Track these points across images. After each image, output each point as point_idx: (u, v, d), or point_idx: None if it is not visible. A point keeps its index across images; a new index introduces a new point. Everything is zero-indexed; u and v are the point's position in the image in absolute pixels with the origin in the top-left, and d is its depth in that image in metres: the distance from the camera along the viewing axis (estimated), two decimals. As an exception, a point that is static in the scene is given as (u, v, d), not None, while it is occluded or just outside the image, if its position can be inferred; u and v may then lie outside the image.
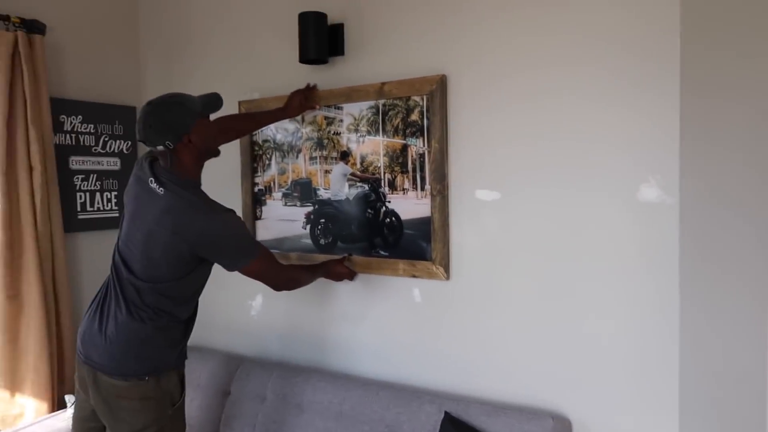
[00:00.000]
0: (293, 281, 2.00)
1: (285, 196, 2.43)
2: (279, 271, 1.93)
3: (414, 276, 2.10)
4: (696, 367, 1.66)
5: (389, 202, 2.16)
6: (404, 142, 2.12)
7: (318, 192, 2.33)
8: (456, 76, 2.00)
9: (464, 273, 2.02)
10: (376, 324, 2.22)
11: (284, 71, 2.39)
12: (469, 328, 2.02)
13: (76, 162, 2.62)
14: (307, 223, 2.37)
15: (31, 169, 2.36)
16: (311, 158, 2.35)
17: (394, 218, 2.15)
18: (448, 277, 2.04)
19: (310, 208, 2.36)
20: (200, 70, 2.67)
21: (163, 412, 1.76)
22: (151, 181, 1.72)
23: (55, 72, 2.54)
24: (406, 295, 2.14)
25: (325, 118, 2.29)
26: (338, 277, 2.16)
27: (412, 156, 2.10)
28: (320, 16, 2.18)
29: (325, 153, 2.31)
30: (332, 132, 2.28)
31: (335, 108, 2.26)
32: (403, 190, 2.13)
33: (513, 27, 1.89)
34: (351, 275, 2.18)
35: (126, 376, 1.71)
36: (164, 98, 1.77)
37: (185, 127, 1.72)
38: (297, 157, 2.38)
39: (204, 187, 1.85)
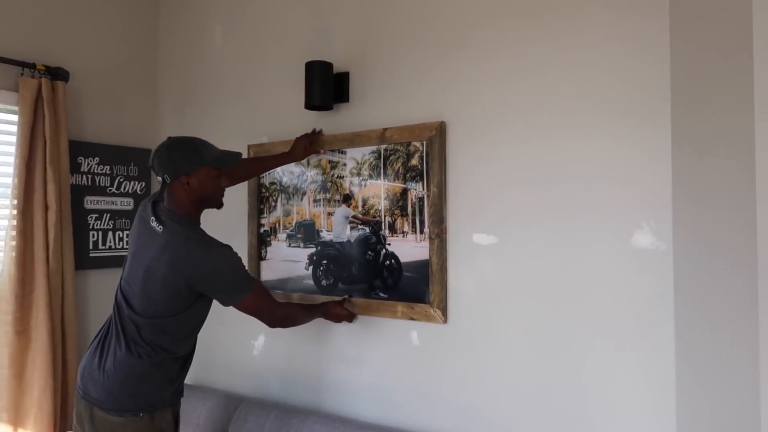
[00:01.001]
0: (288, 319, 2.02)
1: (289, 237, 2.48)
2: (274, 307, 1.95)
3: (412, 319, 2.11)
4: (693, 415, 1.63)
5: (389, 244, 2.19)
6: (404, 186, 2.16)
7: (321, 234, 2.38)
8: (454, 122, 2.06)
9: (462, 316, 2.02)
10: (374, 366, 2.21)
11: (291, 117, 2.48)
12: (466, 373, 2.01)
13: (90, 202, 2.71)
14: (309, 264, 2.41)
15: (46, 208, 2.45)
16: (315, 201, 2.40)
17: (393, 261, 2.18)
18: (445, 321, 2.05)
19: (313, 250, 2.40)
20: (212, 115, 2.78)
21: (156, 450, 1.77)
22: (152, 220, 1.79)
23: (75, 116, 2.67)
24: (404, 337, 2.15)
25: (329, 162, 2.36)
26: (337, 319, 2.18)
27: (411, 200, 2.15)
28: (326, 65, 2.27)
29: (328, 196, 2.36)
30: (336, 175, 2.34)
31: (339, 152, 2.33)
32: (403, 233, 2.16)
33: (507, 71, 1.95)
34: (350, 317, 2.20)
35: (121, 412, 1.73)
36: (184, 138, 1.86)
37: (186, 168, 1.79)
38: (302, 199, 2.44)
39: (211, 227, 1.91)
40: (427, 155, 2.10)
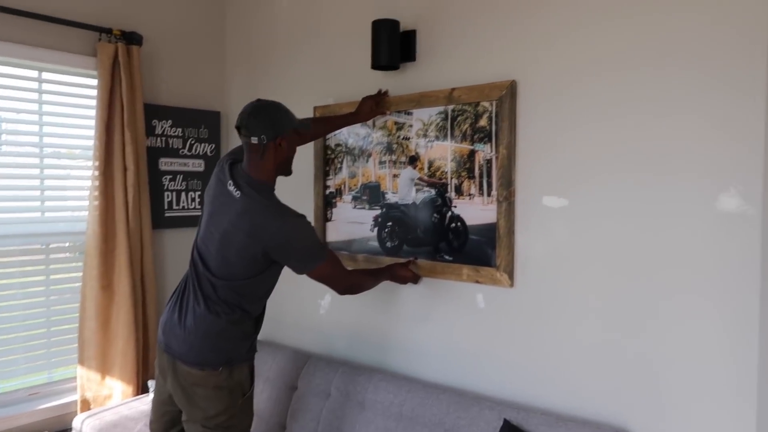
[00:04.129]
0: (356, 286, 2.06)
1: (354, 199, 2.50)
2: (344, 276, 1.99)
3: (478, 282, 2.10)
4: (777, 390, 1.56)
5: (455, 207, 2.17)
6: (472, 147, 2.12)
7: (386, 196, 2.38)
8: (526, 82, 1.98)
9: (529, 281, 2.00)
10: (439, 328, 2.23)
11: (357, 77, 2.46)
12: (532, 337, 1.99)
13: (165, 163, 2.81)
14: (374, 226, 2.42)
15: (125, 169, 2.56)
16: (381, 162, 2.40)
17: (459, 223, 2.16)
18: (512, 285, 2.02)
19: (378, 212, 2.41)
20: (279, 77, 2.80)
21: (234, 401, 1.86)
22: (230, 183, 1.83)
23: (149, 80, 2.75)
24: (469, 300, 2.14)
25: (395, 123, 2.34)
26: (403, 281, 2.20)
27: (479, 161, 2.11)
28: (393, 24, 2.23)
29: (394, 157, 2.35)
30: (402, 137, 2.32)
31: (405, 113, 2.30)
32: (470, 195, 2.13)
33: (585, 33, 1.85)
34: (415, 279, 2.21)
35: (202, 366, 1.82)
36: (273, 102, 1.88)
37: (283, 129, 1.83)
38: (367, 161, 2.44)
39: (279, 189, 1.94)
40: (496, 116, 2.05)
